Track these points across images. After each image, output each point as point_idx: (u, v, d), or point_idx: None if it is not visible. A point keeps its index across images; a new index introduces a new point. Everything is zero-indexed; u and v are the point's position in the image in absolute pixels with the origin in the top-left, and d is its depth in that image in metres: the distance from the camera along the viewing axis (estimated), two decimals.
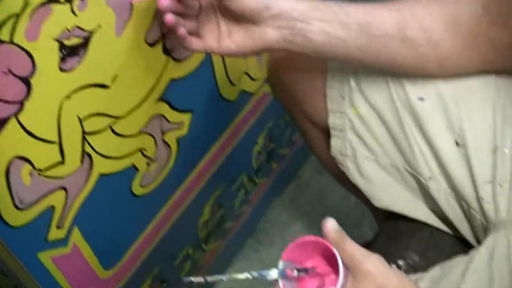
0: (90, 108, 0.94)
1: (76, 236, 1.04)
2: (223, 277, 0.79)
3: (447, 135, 1.01)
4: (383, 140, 1.07)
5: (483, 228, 1.02)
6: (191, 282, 0.78)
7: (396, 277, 0.79)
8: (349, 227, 0.80)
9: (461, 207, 1.04)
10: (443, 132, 1.01)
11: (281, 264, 0.80)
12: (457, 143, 1.00)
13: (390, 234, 1.18)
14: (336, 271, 0.80)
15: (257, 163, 1.66)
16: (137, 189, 1.14)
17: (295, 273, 0.80)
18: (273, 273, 0.79)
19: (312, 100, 1.15)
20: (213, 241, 1.59)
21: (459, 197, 1.02)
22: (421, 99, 1.01)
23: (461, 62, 0.98)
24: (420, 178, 1.05)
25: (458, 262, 0.98)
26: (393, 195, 1.13)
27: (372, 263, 0.79)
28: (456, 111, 1.00)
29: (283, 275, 0.79)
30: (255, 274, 0.79)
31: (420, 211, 1.12)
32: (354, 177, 1.15)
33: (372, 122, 1.07)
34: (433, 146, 1.02)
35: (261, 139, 1.63)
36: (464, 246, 1.10)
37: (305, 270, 0.82)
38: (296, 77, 1.13)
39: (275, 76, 1.19)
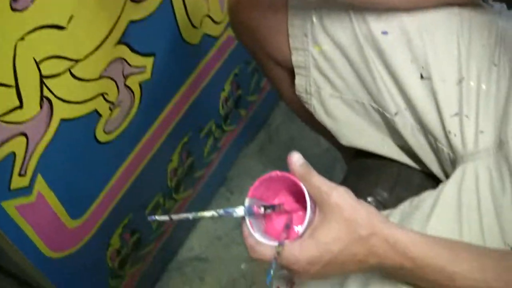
0: (46, 50, 0.92)
1: (40, 184, 1.02)
2: (189, 215, 0.78)
3: (412, 68, 1.00)
4: (347, 77, 1.06)
5: (451, 162, 1.02)
6: (156, 220, 0.77)
7: (364, 209, 0.78)
8: (320, 173, 0.79)
9: (428, 141, 1.03)
10: (407, 65, 1.00)
11: (247, 201, 0.79)
12: (422, 76, 0.99)
13: (358, 172, 1.18)
14: (303, 207, 0.79)
15: (224, 110, 1.65)
16: (101, 136, 1.12)
17: (262, 210, 0.79)
18: (239, 211, 0.78)
19: (274, 39, 1.14)
20: (184, 190, 1.58)
21: (426, 131, 1.02)
22: (384, 33, 1.00)
23: None
24: (386, 114, 1.05)
25: (427, 196, 0.98)
26: (359, 132, 1.12)
27: (340, 196, 0.78)
28: (421, 44, 0.99)
29: (250, 212, 0.78)
30: (221, 212, 0.78)
31: (387, 148, 1.11)
32: (319, 115, 1.14)
33: (336, 58, 1.05)
34: (398, 80, 1.01)
35: (228, 85, 1.61)
36: (432, 181, 1.10)
37: (272, 207, 0.81)
38: (258, 15, 1.11)
39: (236, 16, 1.17)
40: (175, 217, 0.77)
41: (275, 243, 0.76)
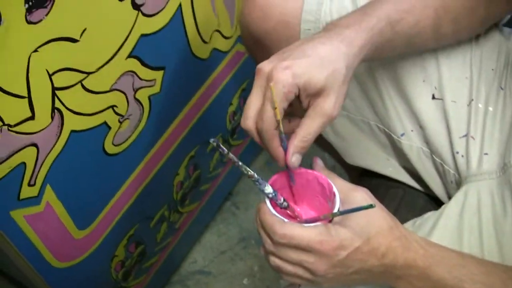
0: (59, 62, 0.93)
1: (49, 195, 1.03)
2: (239, 162, 0.80)
3: (424, 88, 1.01)
4: (355, 97, 1.07)
5: (456, 184, 1.02)
6: (217, 144, 0.78)
7: (382, 209, 0.79)
8: None
9: (434, 163, 1.04)
10: (419, 85, 1.01)
11: (269, 187, 0.80)
12: (433, 97, 1.00)
13: None
14: (315, 207, 0.83)
15: (232, 124, 1.66)
16: (109, 148, 1.13)
17: (282, 199, 0.81)
18: (268, 188, 0.79)
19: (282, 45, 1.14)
20: (189, 203, 1.59)
21: (434, 153, 1.03)
22: None
23: (470, 29, 0.99)
24: (392, 135, 1.05)
25: (429, 216, 0.99)
26: (365, 152, 1.13)
27: (365, 192, 0.80)
28: (435, 64, 1.00)
29: (274, 197, 0.80)
30: (258, 177, 0.79)
31: (392, 169, 1.12)
32: (326, 133, 1.15)
33: None
34: (409, 100, 1.02)
35: (236, 100, 1.62)
36: (436, 204, 1.10)
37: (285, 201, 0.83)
38: (269, 29, 1.12)
39: (247, 28, 1.18)
40: (231, 155, 0.79)
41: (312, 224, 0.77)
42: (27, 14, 0.83)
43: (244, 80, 1.60)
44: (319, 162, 0.85)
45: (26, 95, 0.89)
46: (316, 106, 0.79)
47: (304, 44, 0.81)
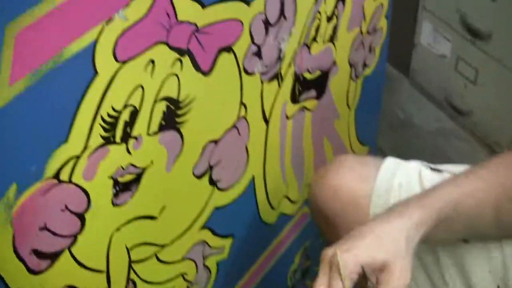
0: (138, 238, 0.97)
1: None
2: None
3: (489, 279, 1.01)
4: (420, 282, 1.08)
5: None
6: None
7: None
8: None
9: None
10: (485, 276, 1.01)
11: None
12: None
13: None
14: None
15: (292, 281, 1.66)
16: None
17: None
18: None
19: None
20: None
21: None
22: (465, 240, 1.02)
23: None
24: None
25: None
26: None
27: None
28: (500, 255, 1.00)
29: None
30: None
31: None
32: None
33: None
34: None
35: (298, 258, 1.64)
36: None
37: None
38: (339, 207, 1.15)
39: (316, 204, 1.21)
40: None
41: None
42: (114, 197, 0.88)
43: (307, 239, 1.62)
44: None
45: (105, 270, 0.93)
46: (383, 281, 0.82)
47: (365, 226, 0.87)
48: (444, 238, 0.97)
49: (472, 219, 0.93)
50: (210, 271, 1.21)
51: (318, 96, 1.36)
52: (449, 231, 0.94)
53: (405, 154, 2.18)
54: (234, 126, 1.08)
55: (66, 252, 0.85)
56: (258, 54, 1.06)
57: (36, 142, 0.74)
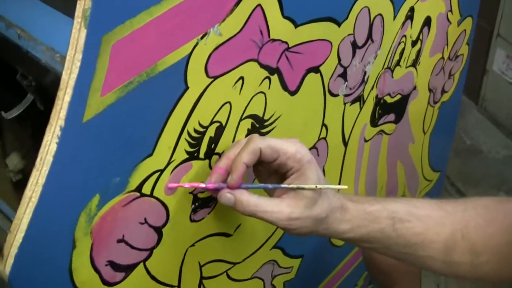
0: (211, 255, 0.96)
1: None
2: None
3: None
4: None
5: None
6: None
7: None
8: None
9: None
10: None
11: None
12: None
13: None
14: None
15: None
16: None
17: None
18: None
19: (407, 285, 1.14)
20: None
21: None
22: None
23: (495, 277, 0.91)
24: None
25: None
26: None
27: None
28: None
29: None
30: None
31: None
32: None
33: None
34: None
35: (362, 281, 1.61)
36: None
37: None
38: (391, 260, 1.12)
39: (370, 257, 1.20)
40: None
41: None
42: (192, 213, 0.87)
43: None
44: None
45: (176, 285, 0.92)
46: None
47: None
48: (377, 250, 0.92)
49: (412, 245, 0.88)
50: None
51: (397, 120, 1.33)
52: (381, 246, 0.89)
53: (470, 180, 2.16)
54: (314, 147, 1.06)
55: (141, 265, 0.84)
56: (344, 76, 1.04)
57: (123, 153, 0.73)
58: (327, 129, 1.07)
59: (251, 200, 0.80)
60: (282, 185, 0.81)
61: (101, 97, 0.67)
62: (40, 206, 0.65)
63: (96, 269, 0.77)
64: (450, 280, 1.05)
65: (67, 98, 0.64)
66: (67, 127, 0.64)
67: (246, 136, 0.89)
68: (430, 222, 0.88)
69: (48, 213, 0.67)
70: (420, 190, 1.66)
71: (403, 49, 1.20)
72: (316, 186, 0.81)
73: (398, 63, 1.21)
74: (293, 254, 1.18)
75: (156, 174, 0.78)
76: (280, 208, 0.80)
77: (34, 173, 0.65)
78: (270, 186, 0.83)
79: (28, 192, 0.65)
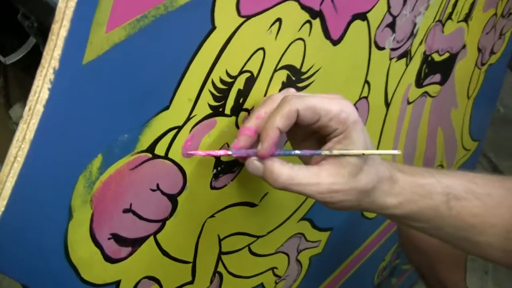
0: (232, 227, 0.84)
1: None
2: None
3: None
4: None
5: None
6: None
7: None
8: None
9: None
10: None
11: None
12: None
13: None
14: None
15: (379, 278, 1.54)
16: None
17: None
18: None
19: (450, 269, 1.02)
20: None
21: None
22: None
23: None
24: None
25: None
26: None
27: None
28: None
29: None
30: None
31: None
32: None
33: None
34: None
35: (389, 256, 1.50)
36: None
37: None
38: (434, 242, 0.99)
39: (407, 233, 1.07)
40: None
41: None
42: (213, 179, 0.74)
43: None
44: None
45: (192, 261, 0.79)
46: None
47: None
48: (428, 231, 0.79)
49: (468, 228, 0.75)
50: (301, 266, 1.07)
51: (442, 82, 1.19)
52: (433, 226, 0.76)
53: (504, 151, 2.05)
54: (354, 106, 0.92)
55: (151, 239, 0.71)
56: (392, 26, 0.90)
57: (132, 105, 0.59)
58: (369, 87, 0.93)
59: (284, 171, 0.66)
60: (323, 151, 0.68)
61: (107, 33, 0.52)
62: (27, 168, 0.52)
63: (97, 243, 0.65)
64: (500, 268, 0.92)
65: (63, 32, 0.50)
66: (62, 69, 0.50)
67: (280, 90, 0.75)
68: (490, 202, 0.75)
69: (37, 176, 0.53)
70: (457, 160, 1.53)
71: (456, 0, 1.05)
72: (363, 153, 0.67)
73: (449, 17, 1.07)
74: (322, 227, 1.06)
75: (173, 132, 0.65)
76: (319, 179, 0.67)
77: (21, 127, 0.51)
78: (308, 153, 0.69)
79: (13, 149, 0.51)
